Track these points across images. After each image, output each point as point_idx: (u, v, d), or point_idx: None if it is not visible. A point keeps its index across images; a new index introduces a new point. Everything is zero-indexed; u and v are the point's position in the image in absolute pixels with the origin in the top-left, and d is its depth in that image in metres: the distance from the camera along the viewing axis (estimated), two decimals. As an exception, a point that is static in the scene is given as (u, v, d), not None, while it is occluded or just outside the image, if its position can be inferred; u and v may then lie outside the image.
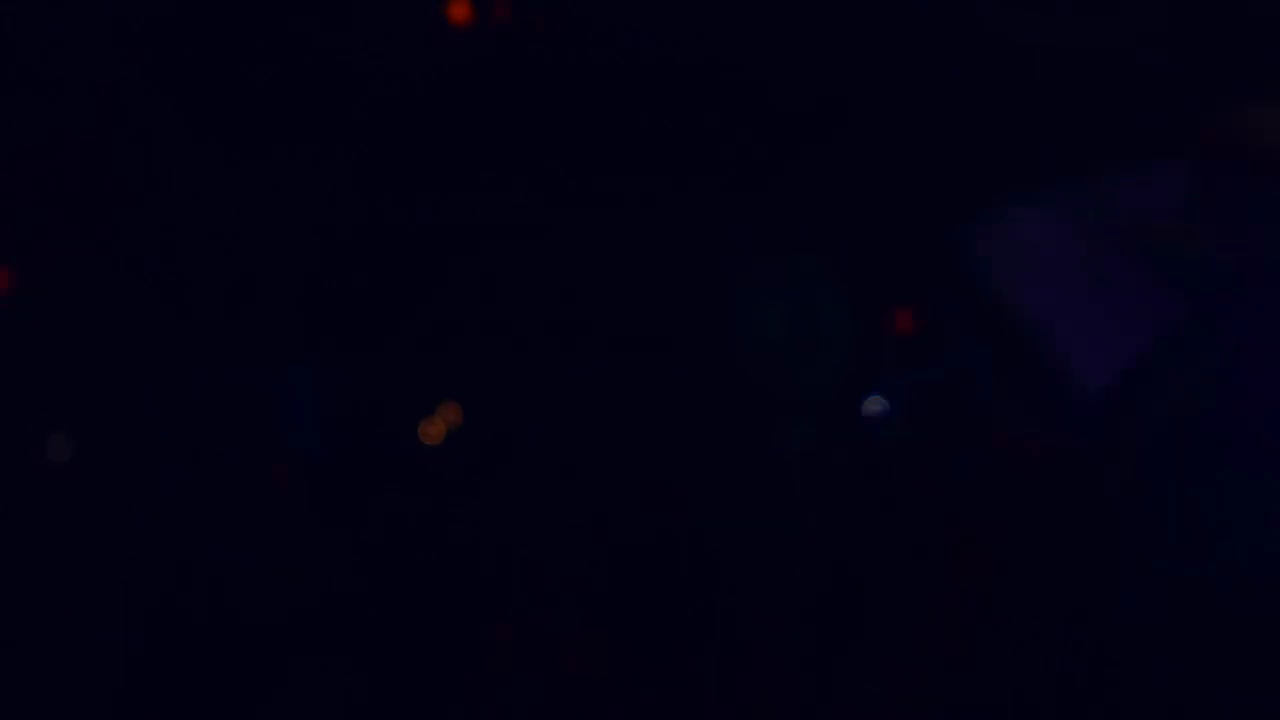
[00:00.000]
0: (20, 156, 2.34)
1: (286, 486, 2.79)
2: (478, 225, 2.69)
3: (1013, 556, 1.37)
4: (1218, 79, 1.72)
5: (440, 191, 2.54)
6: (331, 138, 2.31)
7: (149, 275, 2.58)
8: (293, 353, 2.77)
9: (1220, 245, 1.18)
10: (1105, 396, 1.17)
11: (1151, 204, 1.25)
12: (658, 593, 1.40)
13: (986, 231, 1.29)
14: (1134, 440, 1.18)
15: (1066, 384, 1.20)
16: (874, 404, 1.77)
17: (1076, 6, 1.76)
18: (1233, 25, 1.60)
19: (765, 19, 1.90)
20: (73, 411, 2.58)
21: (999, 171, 2.23)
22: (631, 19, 2.04)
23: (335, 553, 2.67)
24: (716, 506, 1.49)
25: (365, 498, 2.82)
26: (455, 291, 2.77)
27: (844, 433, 1.64)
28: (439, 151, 2.39)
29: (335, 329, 2.74)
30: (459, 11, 2.24)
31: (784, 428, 1.60)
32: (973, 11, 1.74)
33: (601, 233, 2.67)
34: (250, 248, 2.63)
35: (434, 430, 2.52)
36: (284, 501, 2.80)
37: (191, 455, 2.69)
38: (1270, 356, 1.16)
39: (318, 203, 2.54)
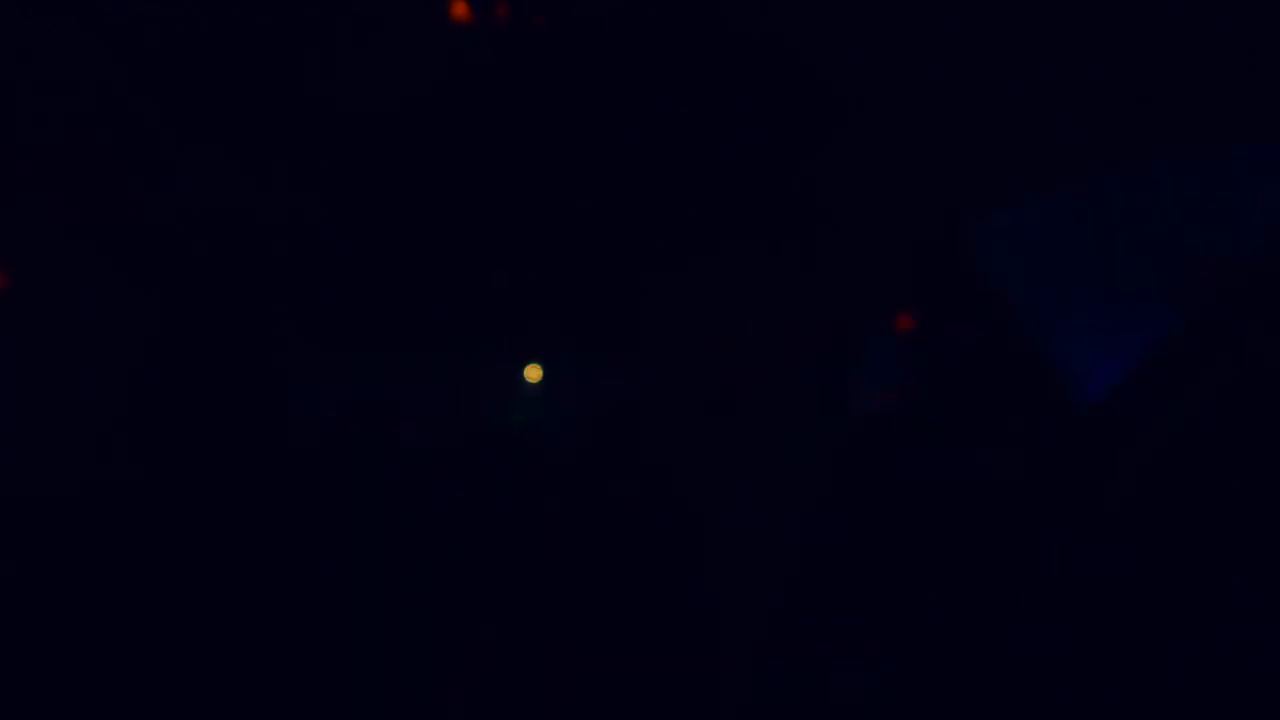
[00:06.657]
0: (18, 157, 2.34)
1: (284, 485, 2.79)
2: (476, 225, 2.69)
3: (1005, 555, 1.37)
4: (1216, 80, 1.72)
5: (439, 192, 2.54)
6: (330, 138, 2.31)
7: (148, 275, 2.58)
8: (295, 352, 2.77)
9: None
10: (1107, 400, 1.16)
11: (1154, 203, 1.25)
12: (645, 594, 1.39)
13: (988, 231, 1.28)
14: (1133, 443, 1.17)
15: (1066, 385, 1.19)
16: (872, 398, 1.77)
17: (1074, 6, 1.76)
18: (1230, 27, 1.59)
19: (764, 17, 1.90)
20: (72, 411, 2.58)
21: (999, 172, 2.23)
22: (631, 18, 2.04)
23: (330, 551, 2.67)
24: (709, 506, 1.49)
25: (361, 496, 2.82)
26: (453, 291, 2.77)
27: (841, 432, 1.64)
28: (438, 151, 2.40)
29: (334, 329, 2.74)
30: (459, 11, 2.25)
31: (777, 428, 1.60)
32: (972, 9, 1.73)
33: (601, 234, 2.67)
34: (249, 248, 2.63)
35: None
36: (280, 501, 2.79)
37: (193, 454, 2.69)
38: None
39: (316, 203, 2.54)
